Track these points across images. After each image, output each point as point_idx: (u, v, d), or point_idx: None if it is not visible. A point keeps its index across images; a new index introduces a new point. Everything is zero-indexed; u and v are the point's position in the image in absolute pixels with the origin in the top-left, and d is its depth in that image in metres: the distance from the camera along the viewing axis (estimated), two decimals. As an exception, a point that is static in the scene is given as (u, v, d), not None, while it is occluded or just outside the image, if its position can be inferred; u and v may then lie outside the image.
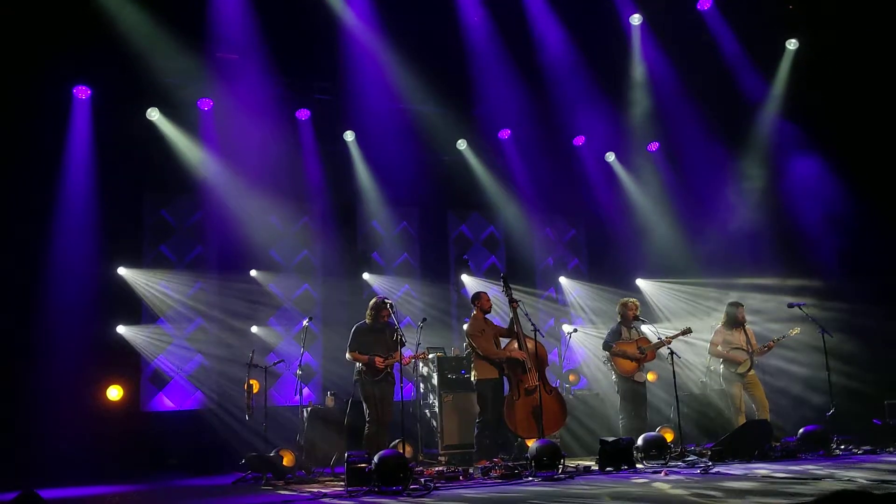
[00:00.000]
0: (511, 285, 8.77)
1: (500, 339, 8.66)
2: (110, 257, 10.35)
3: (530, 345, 8.44)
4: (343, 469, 7.32)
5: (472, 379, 8.57)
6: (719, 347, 9.29)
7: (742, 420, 9.02)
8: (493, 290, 10.87)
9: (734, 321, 9.32)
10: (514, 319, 8.49)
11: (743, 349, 9.18)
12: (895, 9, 10.11)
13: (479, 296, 8.80)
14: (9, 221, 9.53)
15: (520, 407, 8.28)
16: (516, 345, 8.48)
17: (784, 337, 9.29)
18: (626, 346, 9.16)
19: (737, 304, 9.44)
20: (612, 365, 9.18)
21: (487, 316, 8.76)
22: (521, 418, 8.25)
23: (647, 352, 9.16)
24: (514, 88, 11.58)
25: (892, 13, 10.16)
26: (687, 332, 9.24)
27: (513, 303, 8.50)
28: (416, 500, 6.24)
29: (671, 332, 9.20)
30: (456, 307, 12.59)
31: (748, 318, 9.63)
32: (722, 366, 9.32)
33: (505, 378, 8.55)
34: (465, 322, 12.27)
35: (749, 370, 9.18)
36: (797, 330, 9.25)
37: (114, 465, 9.29)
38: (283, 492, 7.32)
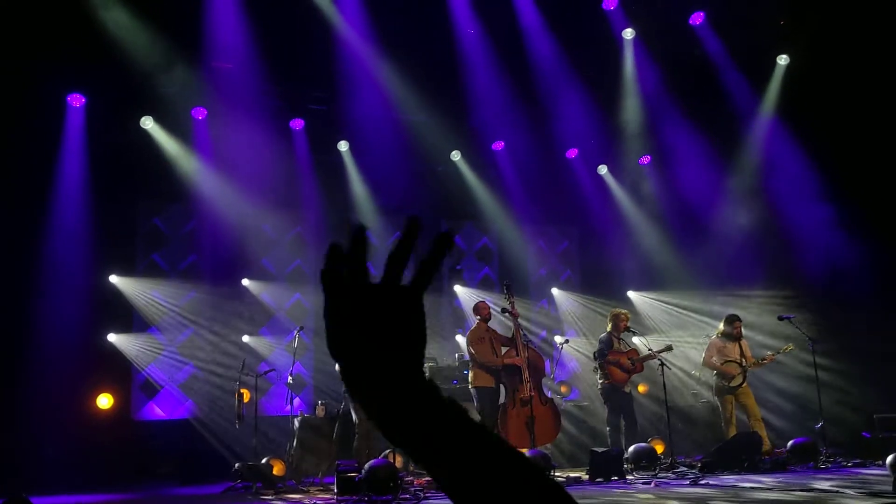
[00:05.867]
0: (504, 296, 8.81)
1: (502, 347, 8.63)
2: (103, 265, 10.33)
3: (527, 355, 8.44)
4: (333, 479, 7.31)
5: (470, 387, 8.55)
6: (714, 359, 9.27)
7: (733, 432, 9.04)
8: (488, 301, 10.87)
9: (730, 334, 9.32)
10: (515, 328, 8.49)
11: (737, 362, 9.17)
12: (886, 23, 10.20)
13: (477, 306, 8.91)
14: (1, 228, 9.51)
15: (513, 416, 8.28)
16: (514, 353, 8.47)
17: (779, 353, 9.29)
18: (619, 356, 9.18)
19: (734, 318, 9.42)
20: (602, 374, 9.18)
21: (491, 325, 8.81)
22: (515, 428, 8.24)
23: (636, 363, 9.20)
24: (507, 100, 11.63)
25: (883, 28, 10.26)
26: (668, 349, 9.27)
27: (508, 313, 8.53)
28: (406, 509, 6.23)
29: (658, 347, 9.22)
30: (449, 318, 12.59)
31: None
32: (715, 378, 9.34)
33: (501, 386, 8.56)
34: (459, 333, 12.38)
35: (742, 383, 9.19)
36: (790, 346, 9.25)
37: (103, 474, 9.24)
38: (272, 501, 7.31)
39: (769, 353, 9.33)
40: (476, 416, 8.55)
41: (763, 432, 8.97)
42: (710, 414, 10.80)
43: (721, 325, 9.47)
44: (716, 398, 9.42)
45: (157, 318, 10.74)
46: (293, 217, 11.86)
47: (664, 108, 11.95)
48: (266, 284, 11.52)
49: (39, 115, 9.83)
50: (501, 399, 8.59)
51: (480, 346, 8.49)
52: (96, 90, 10.09)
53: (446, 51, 11.06)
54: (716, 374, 9.30)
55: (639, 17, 11.51)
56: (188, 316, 10.93)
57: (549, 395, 9.17)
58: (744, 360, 9.23)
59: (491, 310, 8.88)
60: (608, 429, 9.17)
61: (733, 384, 9.11)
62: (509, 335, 8.69)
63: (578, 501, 4.99)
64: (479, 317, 8.76)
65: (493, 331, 8.78)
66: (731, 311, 9.88)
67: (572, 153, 13.22)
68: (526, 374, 8.34)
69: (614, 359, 9.13)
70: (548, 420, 8.42)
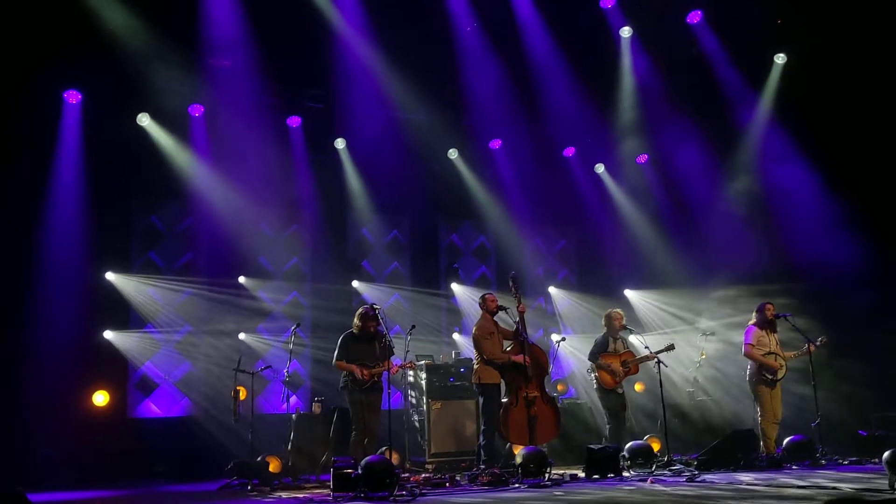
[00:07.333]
0: (503, 294, 8.69)
1: (505, 341, 8.43)
2: (99, 262, 10.30)
3: (532, 351, 8.29)
4: (329, 476, 7.29)
5: (476, 383, 8.41)
6: (755, 349, 9.02)
7: (770, 426, 8.86)
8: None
9: (764, 320, 9.11)
10: (520, 323, 8.26)
11: (777, 354, 9.00)
12: (883, 21, 10.24)
13: (485, 298, 8.54)
14: (-3, 225, 9.50)
15: (516, 414, 8.08)
16: (518, 350, 8.23)
17: (815, 346, 8.98)
18: (611, 358, 9.15)
19: (764, 303, 9.23)
20: (595, 376, 9.18)
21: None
22: (516, 426, 8.07)
23: (631, 366, 9.18)
24: (505, 98, 11.64)
25: (881, 25, 10.29)
26: (670, 348, 9.26)
27: (506, 310, 8.41)
28: (402, 505, 6.23)
29: (656, 346, 9.18)
30: (445, 315, 12.59)
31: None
32: (752, 368, 9.06)
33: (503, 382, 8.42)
34: (455, 331, 12.38)
35: (782, 377, 9.01)
36: (825, 339, 9.05)
37: (99, 471, 9.23)
38: (268, 498, 7.30)
39: (804, 346, 9.01)
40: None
41: (774, 434, 8.90)
42: (707, 412, 10.82)
43: (753, 316, 9.23)
44: (752, 392, 9.16)
45: (153, 316, 10.72)
46: (290, 215, 11.85)
47: (661, 106, 11.96)
48: (263, 282, 11.50)
49: (35, 111, 9.78)
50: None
51: (489, 342, 8.26)
52: (93, 87, 10.05)
53: (443, 49, 11.07)
54: (753, 364, 9.01)
55: (636, 15, 11.53)
56: (184, 313, 10.90)
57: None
58: (780, 351, 9.04)
59: (498, 303, 8.54)
60: (608, 427, 9.15)
61: (778, 376, 8.92)
62: (510, 328, 8.50)
63: (576, 498, 4.99)
64: (486, 310, 8.45)
65: (498, 324, 8.61)
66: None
67: (569, 152, 13.24)
68: (531, 372, 8.17)
69: (605, 362, 9.10)
70: (549, 419, 8.24)
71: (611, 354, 9.18)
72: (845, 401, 10.00)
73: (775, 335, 9.16)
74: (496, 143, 12.80)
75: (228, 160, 10.80)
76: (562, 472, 8.23)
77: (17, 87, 9.37)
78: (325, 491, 7.38)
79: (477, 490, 7.22)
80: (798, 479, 6.93)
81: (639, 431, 10.17)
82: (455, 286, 12.68)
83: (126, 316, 10.60)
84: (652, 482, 7.21)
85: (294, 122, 11.49)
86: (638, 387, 11.22)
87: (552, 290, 13.31)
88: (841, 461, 8.47)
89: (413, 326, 9.10)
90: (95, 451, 9.42)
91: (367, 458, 6.96)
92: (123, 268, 10.68)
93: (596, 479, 7.73)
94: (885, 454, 6.02)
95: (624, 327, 9.36)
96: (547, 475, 7.39)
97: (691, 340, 11.40)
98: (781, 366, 8.98)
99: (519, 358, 8.15)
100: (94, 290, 10.24)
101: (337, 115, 11.39)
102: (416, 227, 12.90)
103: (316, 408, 9.58)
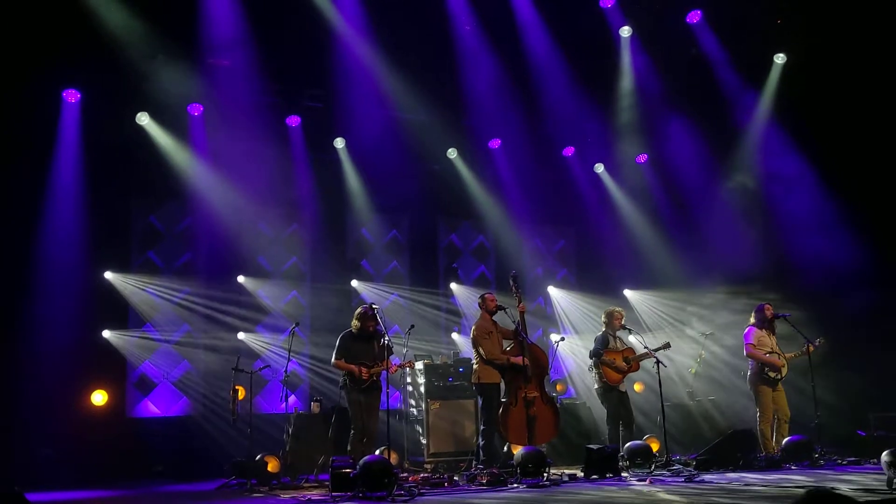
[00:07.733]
0: (503, 293, 8.68)
1: (504, 341, 8.44)
2: (98, 262, 10.30)
3: (532, 351, 8.28)
4: (327, 476, 7.30)
5: (475, 383, 8.40)
6: (757, 349, 9.05)
7: (770, 428, 8.88)
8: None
9: (764, 320, 9.16)
10: (520, 323, 8.26)
11: (778, 353, 9.04)
12: (883, 21, 10.23)
13: (484, 298, 8.58)
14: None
15: (515, 414, 8.08)
16: (517, 350, 8.22)
17: (814, 346, 9.02)
18: (614, 355, 9.17)
19: (764, 304, 9.29)
20: (597, 373, 9.16)
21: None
22: (516, 426, 8.07)
23: (632, 362, 9.18)
24: (504, 98, 11.63)
25: (880, 25, 10.29)
26: (666, 346, 9.25)
27: (505, 310, 8.40)
28: (400, 505, 6.22)
29: (654, 345, 9.18)
30: (444, 315, 12.59)
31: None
32: (754, 368, 9.08)
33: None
34: (454, 331, 12.37)
35: (784, 376, 9.03)
36: (823, 340, 9.10)
37: (98, 471, 9.23)
38: (267, 497, 7.30)
39: (803, 346, 9.05)
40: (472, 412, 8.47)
41: (784, 431, 8.89)
42: (706, 412, 10.81)
43: (752, 317, 9.27)
44: (752, 392, 9.15)
45: (152, 315, 10.72)
46: (289, 214, 11.85)
47: (661, 106, 11.96)
48: (262, 282, 11.50)
49: (35, 110, 9.77)
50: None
51: (489, 342, 8.27)
52: (92, 86, 10.04)
53: (443, 49, 11.06)
54: (754, 365, 9.04)
55: (636, 15, 11.52)
56: (183, 313, 10.90)
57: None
58: (780, 350, 9.06)
59: (497, 303, 8.55)
60: (608, 427, 9.14)
61: (781, 376, 8.93)
62: (510, 328, 8.49)
63: (574, 498, 4.98)
64: (485, 309, 8.48)
65: (497, 324, 8.61)
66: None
67: (569, 151, 13.23)
68: (530, 373, 8.14)
69: (609, 358, 9.11)
70: (548, 419, 8.25)
71: (612, 351, 9.20)
72: (844, 401, 10.00)
73: (774, 335, 9.18)
74: (495, 143, 12.79)
75: (228, 159, 10.79)
76: (560, 472, 8.22)
77: (16, 87, 9.36)
78: (324, 491, 7.38)
79: (475, 490, 7.21)
80: (796, 480, 6.93)
81: (638, 432, 10.16)
82: (454, 286, 12.68)
83: (125, 315, 10.60)
84: (651, 482, 7.20)
85: (294, 121, 11.49)
86: (637, 387, 11.21)
87: (551, 289, 13.31)
88: (840, 461, 8.47)
89: (412, 326, 9.10)
90: (94, 451, 9.42)
91: (365, 457, 6.95)
92: (122, 267, 10.68)
93: (594, 480, 7.73)
94: (884, 454, 6.01)
95: (623, 327, 9.36)
96: (545, 475, 7.38)
97: (690, 341, 11.40)
98: (783, 364, 8.99)
99: (518, 360, 8.14)
100: (93, 289, 10.23)
101: (336, 114, 11.38)
102: (415, 226, 12.90)
103: (315, 407, 9.58)
